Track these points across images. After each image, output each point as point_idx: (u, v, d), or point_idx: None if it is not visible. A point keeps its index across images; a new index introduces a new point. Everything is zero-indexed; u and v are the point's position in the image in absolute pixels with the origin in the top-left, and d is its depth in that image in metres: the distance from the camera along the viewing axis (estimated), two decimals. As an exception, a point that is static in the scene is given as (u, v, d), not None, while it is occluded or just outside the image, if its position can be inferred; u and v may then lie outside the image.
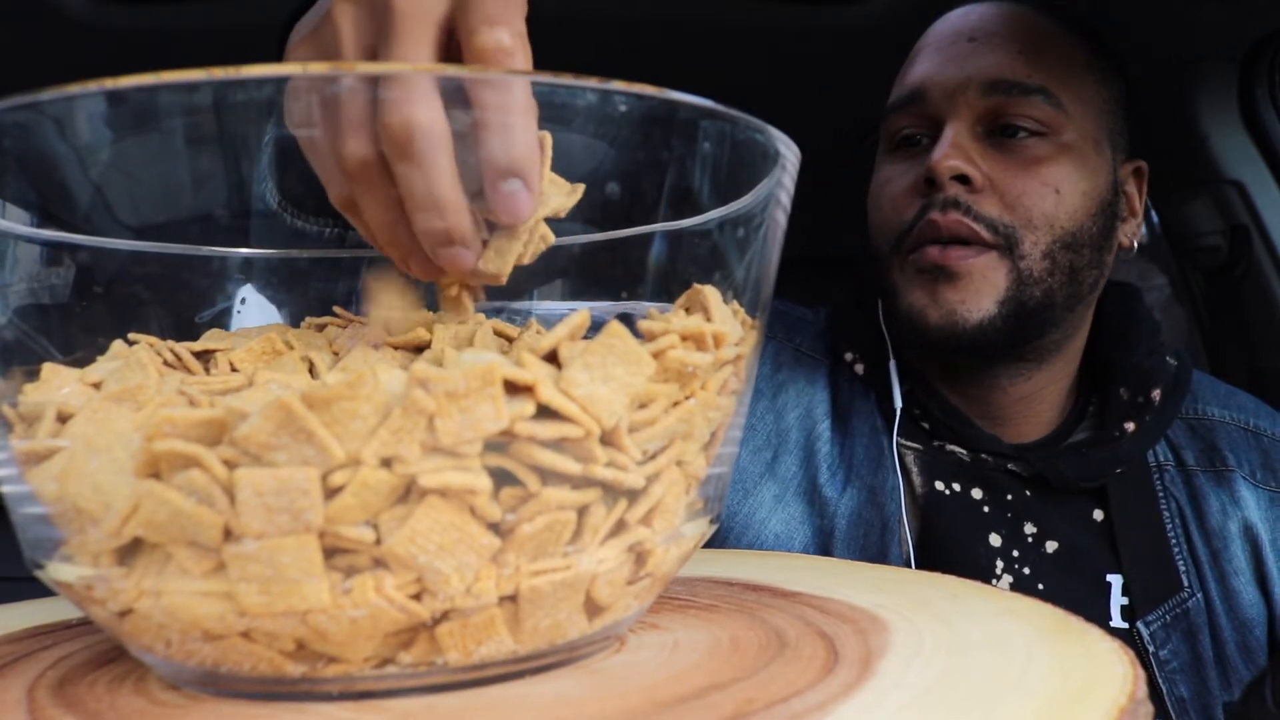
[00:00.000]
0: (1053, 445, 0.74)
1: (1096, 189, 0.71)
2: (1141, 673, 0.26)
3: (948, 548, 0.69)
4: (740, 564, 0.43)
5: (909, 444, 0.73)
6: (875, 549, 0.69)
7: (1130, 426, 0.72)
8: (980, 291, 0.67)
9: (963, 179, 0.67)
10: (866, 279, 0.79)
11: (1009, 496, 0.71)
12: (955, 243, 0.67)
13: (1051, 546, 0.70)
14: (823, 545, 0.71)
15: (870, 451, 0.73)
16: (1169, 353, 0.78)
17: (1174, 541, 0.71)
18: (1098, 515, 0.72)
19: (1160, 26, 0.99)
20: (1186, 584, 0.70)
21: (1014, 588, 0.68)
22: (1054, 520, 0.70)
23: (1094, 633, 0.29)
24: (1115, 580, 0.69)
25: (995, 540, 0.70)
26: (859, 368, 0.78)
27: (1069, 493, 0.71)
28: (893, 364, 0.75)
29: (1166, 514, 0.72)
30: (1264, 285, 1.04)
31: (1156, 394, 0.73)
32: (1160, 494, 0.73)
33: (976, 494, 0.71)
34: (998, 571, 0.69)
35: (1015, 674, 0.26)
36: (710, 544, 0.66)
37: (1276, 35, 0.97)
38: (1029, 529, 0.70)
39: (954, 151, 0.68)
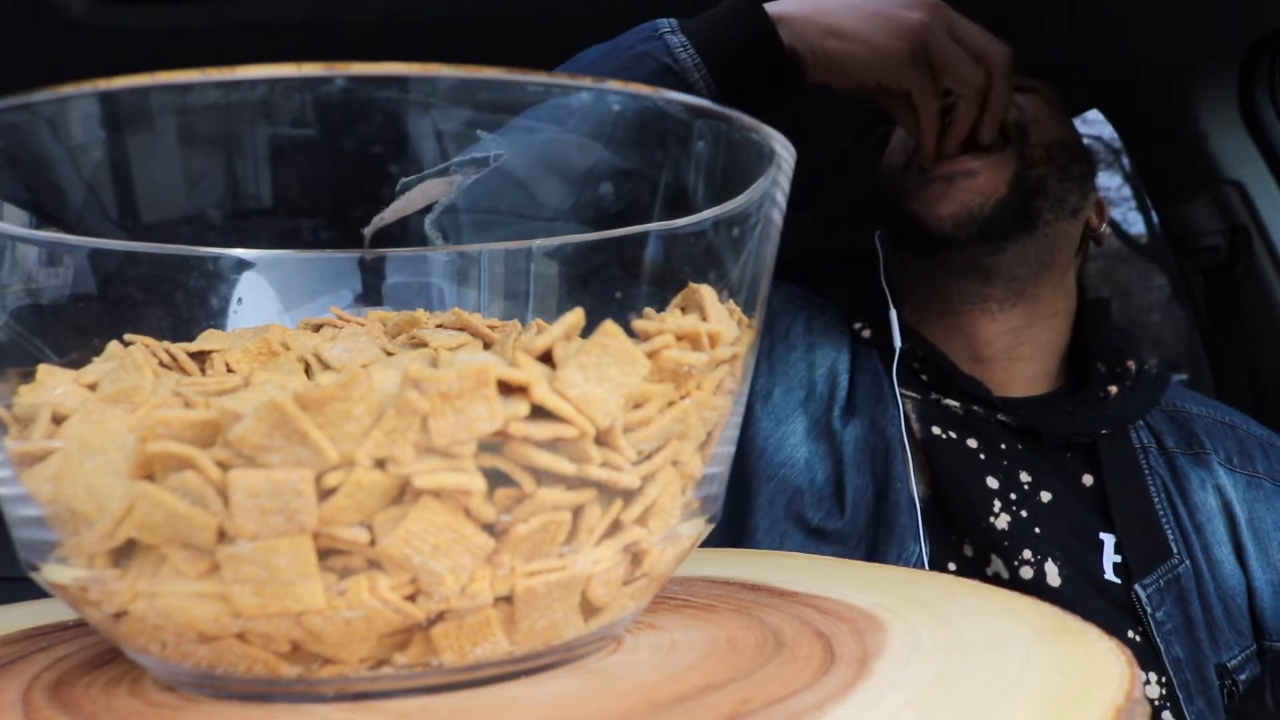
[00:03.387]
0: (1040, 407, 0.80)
1: (1079, 144, 0.83)
2: (1139, 672, 0.26)
3: (949, 486, 0.74)
4: (737, 563, 0.43)
5: (908, 393, 0.80)
6: (882, 470, 0.76)
7: (1113, 389, 0.79)
8: (995, 178, 0.77)
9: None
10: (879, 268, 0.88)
11: (1002, 446, 0.77)
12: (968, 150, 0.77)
13: (1046, 497, 0.74)
14: (836, 473, 0.78)
15: (872, 391, 0.81)
16: (1149, 360, 0.85)
17: (1161, 513, 0.75)
18: (1087, 480, 0.76)
19: (1160, 26, 0.99)
20: (1175, 551, 0.74)
21: (1011, 528, 0.72)
22: (1046, 474, 0.76)
23: (1092, 632, 0.29)
24: (1108, 539, 0.74)
25: (993, 483, 0.74)
26: (866, 333, 0.86)
27: (1058, 448, 0.77)
28: (893, 313, 0.82)
29: (1153, 489, 0.77)
30: (1264, 285, 1.04)
31: (1131, 364, 0.80)
32: (1146, 472, 0.77)
33: (971, 443, 0.77)
34: (995, 510, 0.73)
35: (1013, 673, 0.26)
36: (740, 466, 0.77)
37: (1276, 35, 0.97)
38: (1024, 477, 0.75)
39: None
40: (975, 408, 0.79)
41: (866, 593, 0.36)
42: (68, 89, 0.24)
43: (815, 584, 0.38)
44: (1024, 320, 0.82)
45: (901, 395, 0.80)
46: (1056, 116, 0.82)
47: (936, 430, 0.77)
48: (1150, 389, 0.80)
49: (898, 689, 0.25)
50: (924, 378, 0.82)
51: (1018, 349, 0.82)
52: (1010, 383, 0.83)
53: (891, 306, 0.83)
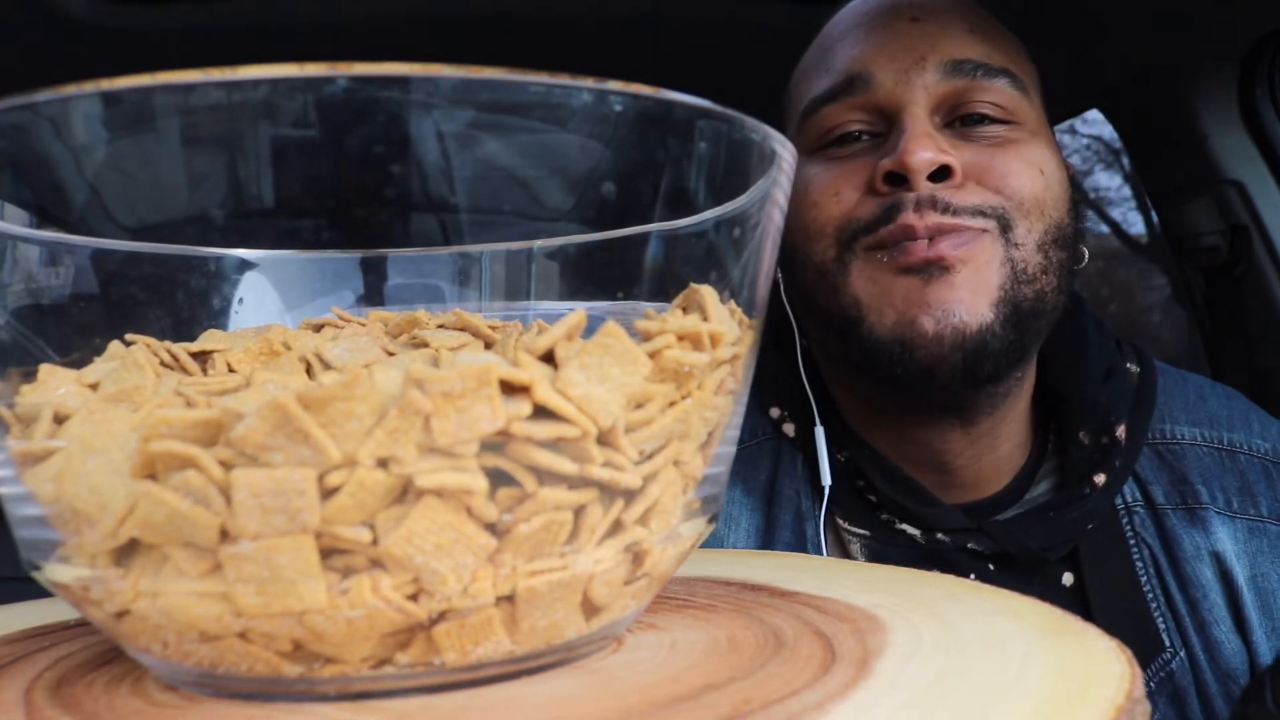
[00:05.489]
0: (1013, 499, 0.67)
1: (1066, 180, 0.63)
2: (1139, 672, 0.26)
3: None
4: (738, 563, 0.43)
5: (852, 529, 0.64)
6: None
7: (1100, 479, 0.63)
8: (976, 288, 0.57)
9: (942, 172, 0.57)
10: (781, 313, 0.69)
11: (971, 577, 0.61)
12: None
13: None
14: None
15: (792, 548, 0.63)
16: (1129, 355, 0.70)
17: (1150, 596, 0.64)
18: (1068, 580, 0.65)
19: (1160, 27, 0.99)
20: (1168, 643, 0.63)
21: None
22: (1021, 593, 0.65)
23: (1092, 632, 0.29)
24: None
25: None
26: (788, 427, 0.66)
27: (1036, 563, 0.63)
28: (819, 430, 0.64)
29: (1139, 564, 0.65)
30: (1264, 285, 1.05)
31: (1120, 430, 0.64)
32: (1131, 541, 0.65)
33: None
34: None
35: (1013, 673, 0.26)
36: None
37: (1276, 35, 0.97)
38: None
39: (927, 141, 0.57)
40: (940, 535, 0.62)
41: (867, 593, 0.36)
42: (70, 89, 0.24)
43: (816, 584, 0.38)
44: (999, 420, 0.64)
45: (843, 531, 0.63)
46: (1052, 176, 0.60)
47: None
48: (1135, 437, 0.64)
49: (898, 689, 0.25)
50: (872, 498, 0.63)
51: (992, 444, 0.65)
52: (982, 480, 0.66)
53: (818, 421, 0.64)
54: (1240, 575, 0.64)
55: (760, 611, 0.34)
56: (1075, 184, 0.65)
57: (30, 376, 0.29)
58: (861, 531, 0.63)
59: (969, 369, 0.57)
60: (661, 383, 0.27)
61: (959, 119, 0.60)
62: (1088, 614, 0.63)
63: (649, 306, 0.31)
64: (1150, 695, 0.63)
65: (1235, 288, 1.07)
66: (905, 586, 0.37)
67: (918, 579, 0.38)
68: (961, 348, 0.56)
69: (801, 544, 0.63)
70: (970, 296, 0.56)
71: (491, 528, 0.24)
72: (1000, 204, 0.58)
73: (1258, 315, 1.06)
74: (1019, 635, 0.29)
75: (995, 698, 0.24)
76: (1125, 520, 0.65)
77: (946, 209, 0.57)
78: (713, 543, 0.65)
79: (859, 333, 0.59)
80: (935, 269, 0.56)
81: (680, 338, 0.27)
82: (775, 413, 0.67)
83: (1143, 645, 0.63)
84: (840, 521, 0.64)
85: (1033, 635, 0.29)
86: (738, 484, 0.66)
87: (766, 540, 0.64)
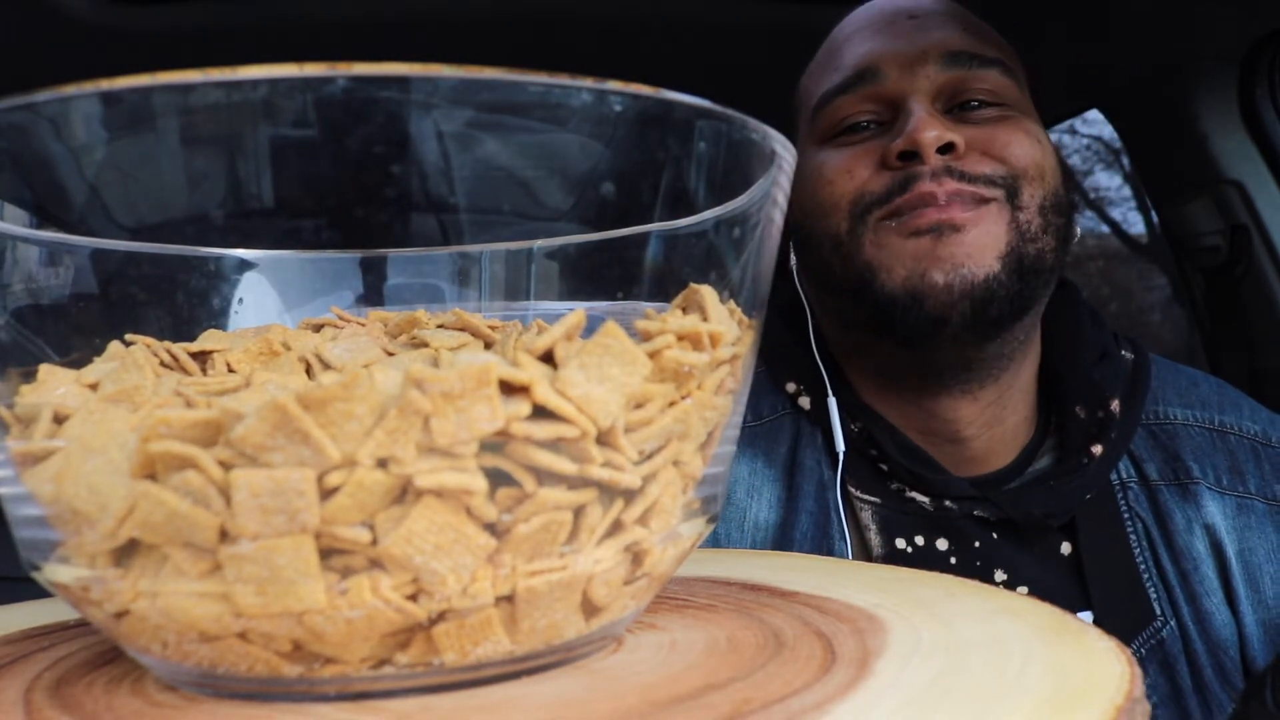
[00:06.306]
0: (1017, 473, 0.71)
1: (1056, 154, 0.68)
2: (1139, 671, 0.26)
3: None
4: (738, 563, 0.43)
5: (865, 497, 0.68)
6: None
7: (1097, 450, 0.68)
8: (985, 245, 0.61)
9: (948, 148, 0.62)
10: (793, 294, 0.73)
11: (976, 544, 0.66)
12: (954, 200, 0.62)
13: (1023, 592, 0.66)
14: None
15: (816, 517, 0.67)
16: (1124, 344, 0.74)
17: (1143, 568, 0.68)
18: (1065, 549, 0.68)
19: (1160, 26, 0.99)
20: (1159, 612, 0.66)
21: None
22: (1023, 563, 0.67)
23: (1092, 632, 0.29)
24: (1086, 617, 0.66)
25: None
26: (804, 401, 0.70)
27: (1038, 530, 0.67)
28: (832, 401, 0.68)
29: (1133, 537, 0.68)
30: (1264, 285, 1.05)
31: (1115, 405, 0.68)
32: (1125, 515, 0.69)
33: (941, 545, 0.67)
34: None
35: (1013, 673, 0.26)
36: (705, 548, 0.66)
37: (1276, 35, 0.97)
38: (999, 576, 0.67)
39: (934, 120, 0.63)
40: (948, 502, 0.66)
41: (867, 593, 0.36)
42: (70, 89, 0.24)
43: (816, 584, 0.38)
44: (1005, 387, 0.69)
45: (856, 500, 0.67)
46: (1047, 148, 0.66)
47: (900, 544, 0.66)
48: (1130, 416, 0.69)
49: (898, 689, 0.25)
50: (884, 467, 0.67)
51: (1000, 414, 0.69)
52: (991, 453, 0.70)
53: (830, 392, 0.68)
54: (1230, 549, 0.68)
55: (760, 611, 0.34)
56: (1063, 163, 0.69)
57: (30, 376, 0.29)
58: (873, 499, 0.67)
59: (977, 313, 0.61)
60: (661, 383, 0.27)
61: (957, 106, 0.66)
62: (1083, 582, 0.66)
63: (649, 306, 0.31)
64: (1140, 661, 0.64)
65: (1235, 288, 1.07)
66: (905, 586, 0.37)
67: (918, 579, 0.38)
68: (970, 296, 0.61)
69: (825, 512, 0.66)
70: (979, 253, 0.61)
71: (491, 528, 0.24)
72: (1007, 172, 0.63)
73: (1258, 315, 1.06)
74: (1019, 635, 0.29)
75: (995, 698, 0.24)
76: (1120, 495, 0.69)
77: (962, 176, 0.62)
78: (735, 515, 0.67)
79: (871, 291, 0.64)
80: (946, 229, 0.61)
81: (680, 338, 0.27)
82: (791, 387, 0.71)
83: (1134, 613, 0.66)
84: (853, 490, 0.67)
85: (1032, 635, 0.29)
86: (760, 456, 0.69)
87: (789, 510, 0.67)
